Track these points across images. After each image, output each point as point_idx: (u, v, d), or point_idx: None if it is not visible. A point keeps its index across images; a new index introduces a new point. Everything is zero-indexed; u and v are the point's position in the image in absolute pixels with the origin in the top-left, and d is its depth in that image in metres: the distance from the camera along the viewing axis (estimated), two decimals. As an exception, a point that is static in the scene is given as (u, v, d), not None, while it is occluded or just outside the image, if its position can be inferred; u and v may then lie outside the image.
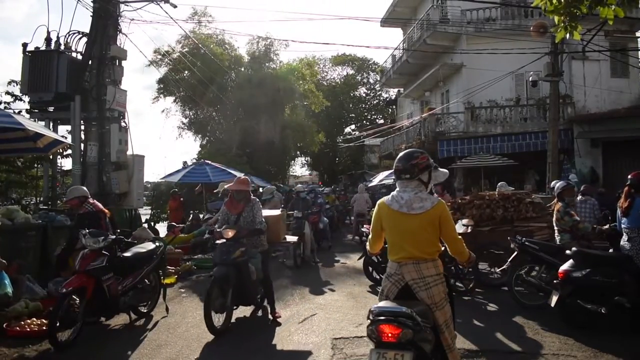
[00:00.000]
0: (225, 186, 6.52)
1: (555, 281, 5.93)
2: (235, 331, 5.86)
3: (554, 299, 5.83)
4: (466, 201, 8.65)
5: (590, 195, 9.62)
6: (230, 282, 5.61)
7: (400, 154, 3.58)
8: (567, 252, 5.99)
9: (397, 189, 3.50)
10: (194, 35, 22.94)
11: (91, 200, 6.62)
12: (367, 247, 3.93)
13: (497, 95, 18.41)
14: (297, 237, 7.88)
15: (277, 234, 6.89)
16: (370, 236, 3.74)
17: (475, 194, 9.14)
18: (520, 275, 6.85)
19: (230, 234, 5.77)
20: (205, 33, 24.82)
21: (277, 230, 6.88)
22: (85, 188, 6.92)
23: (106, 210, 6.82)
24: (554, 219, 6.93)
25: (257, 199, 6.24)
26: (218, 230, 6.00)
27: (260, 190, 17.86)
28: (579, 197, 9.14)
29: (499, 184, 10.47)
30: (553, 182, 9.65)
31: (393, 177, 3.65)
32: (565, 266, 5.82)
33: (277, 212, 7.40)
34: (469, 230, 6.69)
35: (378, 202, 3.62)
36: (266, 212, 6.74)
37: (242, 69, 26.18)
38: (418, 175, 3.42)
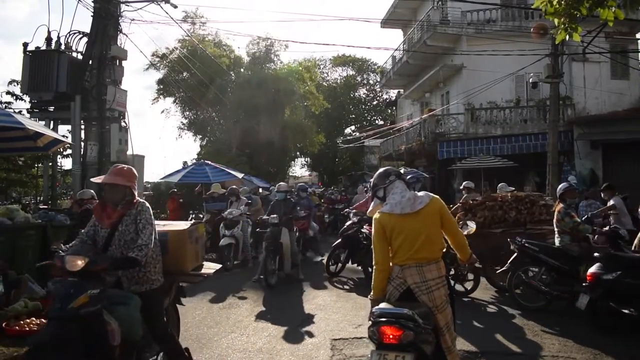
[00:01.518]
0: (92, 179, 4.60)
1: (584, 284, 5.91)
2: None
3: (584, 302, 5.79)
4: (478, 202, 8.55)
5: (595, 198, 9.69)
6: (68, 350, 3.07)
7: (379, 171, 3.75)
8: (596, 254, 5.97)
9: (394, 191, 3.51)
10: (191, 39, 22.94)
11: (93, 201, 6.80)
12: (374, 274, 3.54)
13: (497, 97, 18.41)
14: (220, 265, 5.12)
15: (181, 261, 4.25)
16: (375, 258, 3.50)
17: (487, 195, 9.06)
18: (520, 277, 6.85)
19: (79, 263, 3.27)
20: (203, 34, 24.85)
21: (181, 255, 4.25)
22: (90, 192, 7.03)
23: None
24: (554, 220, 6.92)
25: (146, 203, 3.85)
26: (62, 254, 3.44)
27: (260, 190, 17.80)
28: (584, 201, 9.18)
29: (499, 185, 10.46)
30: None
31: (389, 179, 3.60)
32: (593, 269, 5.80)
33: (181, 225, 4.60)
34: (472, 232, 6.67)
35: (375, 216, 3.55)
36: (162, 225, 4.39)
37: (242, 70, 26.20)
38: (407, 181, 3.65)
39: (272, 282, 8.27)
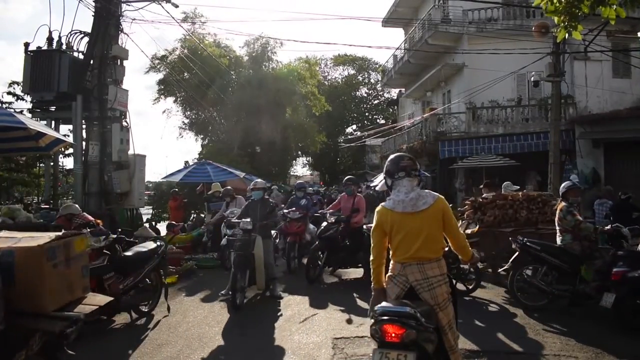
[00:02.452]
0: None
1: (609, 282, 5.91)
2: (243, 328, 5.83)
3: (610, 300, 5.77)
4: (488, 200, 8.48)
5: (608, 197, 9.79)
6: None
7: (394, 157, 3.62)
8: (619, 252, 5.99)
9: (400, 189, 3.48)
10: (192, 38, 22.95)
11: (81, 215, 6.75)
12: (371, 265, 3.62)
13: (499, 96, 18.38)
14: (110, 298, 3.92)
15: (36, 295, 2.97)
16: (373, 250, 3.54)
17: (498, 194, 9.02)
18: (522, 276, 6.85)
19: None
20: (203, 33, 24.84)
21: (36, 286, 2.97)
22: (76, 206, 6.96)
23: (95, 220, 6.98)
24: (556, 218, 6.90)
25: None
26: None
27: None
28: (598, 200, 9.20)
29: (504, 184, 10.41)
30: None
31: (398, 175, 3.50)
32: (618, 267, 5.79)
33: (39, 239, 3.13)
34: (469, 232, 6.66)
35: (377, 209, 3.55)
36: (13, 241, 3.10)
37: (242, 70, 26.18)
38: (419, 174, 3.54)
39: (238, 303, 6.71)
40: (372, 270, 3.60)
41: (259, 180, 8.53)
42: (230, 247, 8.83)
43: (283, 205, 11.78)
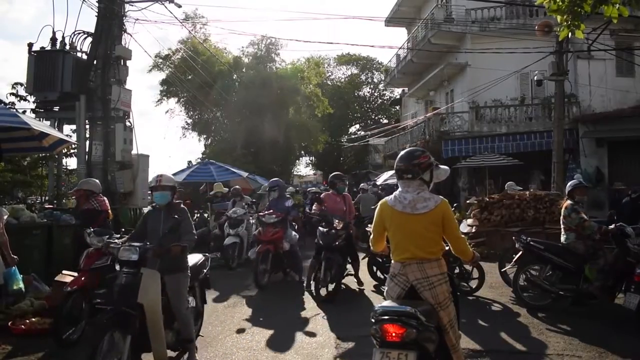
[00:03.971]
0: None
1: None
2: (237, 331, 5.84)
3: (634, 301, 5.69)
4: (495, 200, 8.46)
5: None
6: None
7: (402, 153, 3.59)
8: None
9: (400, 189, 3.50)
10: (194, 39, 22.99)
11: (100, 198, 6.73)
12: (371, 246, 3.91)
13: (502, 95, 18.36)
14: None
15: None
16: (372, 236, 3.75)
17: (505, 193, 8.99)
18: (525, 275, 6.83)
19: None
20: (207, 34, 24.90)
21: None
22: (97, 183, 6.94)
23: (110, 213, 7.01)
24: (561, 216, 6.87)
25: None
26: None
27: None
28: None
29: (507, 183, 10.38)
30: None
31: (398, 175, 3.56)
32: None
33: None
34: (474, 230, 6.65)
35: (380, 202, 3.62)
36: None
37: (244, 70, 26.21)
38: (420, 175, 3.43)
39: None
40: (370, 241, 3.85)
41: (165, 174, 4.80)
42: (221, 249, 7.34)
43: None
